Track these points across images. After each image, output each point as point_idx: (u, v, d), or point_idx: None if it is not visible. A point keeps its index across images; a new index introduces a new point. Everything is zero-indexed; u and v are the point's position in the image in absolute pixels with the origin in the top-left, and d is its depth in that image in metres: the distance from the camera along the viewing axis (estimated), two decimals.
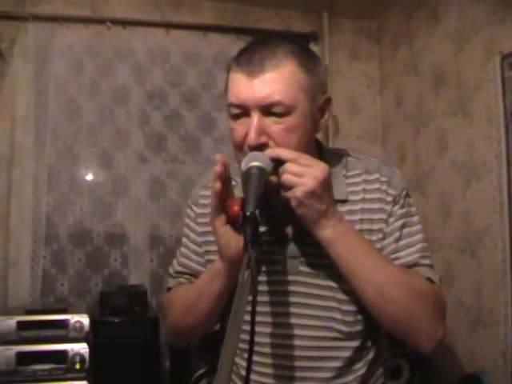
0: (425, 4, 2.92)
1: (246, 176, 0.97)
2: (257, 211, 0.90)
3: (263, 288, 1.09)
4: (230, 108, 1.06)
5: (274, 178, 1.00)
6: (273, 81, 1.01)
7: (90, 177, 2.94)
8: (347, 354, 1.09)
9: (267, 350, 1.09)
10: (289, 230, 1.12)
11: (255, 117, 1.02)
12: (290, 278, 1.09)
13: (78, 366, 2.24)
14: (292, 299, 1.09)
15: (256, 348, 0.91)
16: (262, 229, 1.06)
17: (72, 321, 2.31)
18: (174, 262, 1.26)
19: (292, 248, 1.10)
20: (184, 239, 1.24)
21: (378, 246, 1.09)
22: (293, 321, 1.09)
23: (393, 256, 1.08)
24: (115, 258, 2.92)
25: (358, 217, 1.10)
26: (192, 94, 3.06)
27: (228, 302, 1.06)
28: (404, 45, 3.12)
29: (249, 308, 0.81)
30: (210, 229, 1.13)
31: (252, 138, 1.01)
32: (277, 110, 1.01)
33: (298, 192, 0.98)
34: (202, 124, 3.07)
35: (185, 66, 3.06)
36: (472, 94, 2.53)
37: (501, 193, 2.33)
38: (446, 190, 2.72)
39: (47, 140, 2.79)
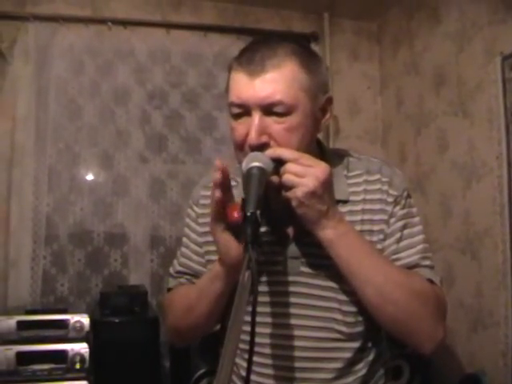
0: (425, 4, 2.91)
1: (247, 176, 0.97)
2: (257, 212, 0.90)
3: (263, 288, 1.09)
4: (230, 107, 1.06)
5: (274, 178, 1.00)
6: (274, 80, 1.01)
7: (90, 177, 2.94)
8: (348, 355, 1.09)
9: (267, 350, 1.09)
10: (290, 231, 1.11)
11: (256, 116, 1.01)
12: (291, 278, 1.09)
13: (77, 366, 2.24)
14: (292, 300, 1.09)
15: (256, 349, 0.91)
16: (263, 229, 1.06)
17: (72, 321, 2.31)
18: (175, 262, 1.26)
19: (293, 248, 1.10)
20: (184, 239, 1.24)
21: (379, 246, 1.09)
22: (293, 321, 1.09)
23: (394, 257, 1.08)
24: (115, 258, 2.91)
25: (358, 217, 1.10)
26: (192, 94, 3.06)
27: (229, 302, 1.05)
28: (404, 45, 3.12)
29: (249, 308, 0.81)
30: None
31: (253, 137, 1.01)
32: (278, 109, 1.01)
33: (298, 192, 0.97)
34: (202, 124, 3.06)
35: (185, 66, 3.06)
36: (473, 95, 2.53)
37: (501, 193, 2.32)
38: (446, 191, 2.72)
39: (48, 140, 2.79)
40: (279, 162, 1.00)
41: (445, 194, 2.72)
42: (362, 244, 1.05)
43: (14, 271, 2.66)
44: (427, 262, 1.10)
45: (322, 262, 1.06)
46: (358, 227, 1.09)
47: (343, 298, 1.08)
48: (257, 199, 0.92)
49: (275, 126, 1.02)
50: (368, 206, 1.10)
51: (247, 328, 0.81)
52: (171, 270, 1.26)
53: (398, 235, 1.09)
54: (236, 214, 0.96)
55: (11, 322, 2.26)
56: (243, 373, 1.13)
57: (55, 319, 2.31)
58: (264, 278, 1.09)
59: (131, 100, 2.96)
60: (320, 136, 1.17)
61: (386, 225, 1.09)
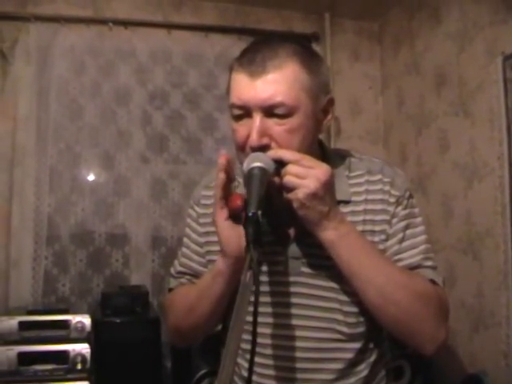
0: (426, 4, 2.91)
1: (248, 176, 0.97)
2: (259, 212, 0.90)
3: (265, 289, 1.08)
4: (231, 109, 1.06)
5: (276, 180, 1.00)
6: (275, 81, 1.01)
7: (91, 177, 2.94)
8: (349, 355, 1.09)
9: (268, 351, 1.09)
10: (291, 231, 1.11)
11: (257, 118, 1.01)
12: (292, 278, 1.09)
13: (79, 367, 2.24)
14: (293, 300, 1.09)
15: (257, 349, 0.91)
16: (264, 229, 1.06)
17: (73, 321, 2.31)
18: (176, 262, 1.26)
19: (294, 249, 1.10)
20: (185, 239, 1.24)
21: (381, 247, 1.09)
22: (294, 322, 1.09)
23: (396, 257, 1.08)
24: (117, 258, 2.91)
25: (360, 218, 1.10)
26: (194, 94, 3.06)
27: (230, 302, 1.05)
28: (405, 45, 3.12)
29: (251, 308, 0.81)
30: (211, 229, 1.13)
31: (254, 139, 1.00)
32: (279, 111, 1.01)
33: (299, 194, 0.97)
34: (203, 125, 3.06)
35: (186, 67, 3.06)
36: (474, 95, 2.53)
37: (503, 194, 2.32)
38: (447, 191, 2.71)
39: (49, 140, 2.79)
40: (280, 164, 1.00)
41: (446, 194, 2.72)
42: (363, 245, 1.04)
43: (16, 271, 2.66)
44: (429, 263, 1.09)
45: (323, 262, 1.06)
46: (360, 227, 1.08)
47: (344, 298, 1.08)
48: (258, 199, 0.92)
49: (276, 127, 1.02)
50: (370, 207, 1.10)
51: (248, 328, 0.81)
52: (172, 271, 1.26)
53: (400, 236, 1.09)
54: (239, 202, 0.97)
55: (13, 322, 2.25)
56: (244, 373, 1.13)
57: (57, 319, 2.31)
58: (265, 278, 1.09)
59: (132, 100, 2.96)
60: (321, 137, 1.17)
61: (388, 225, 1.09)
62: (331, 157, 1.15)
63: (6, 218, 2.70)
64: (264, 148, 1.01)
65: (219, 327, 1.21)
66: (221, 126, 3.04)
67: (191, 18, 3.10)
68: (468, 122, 2.57)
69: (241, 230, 0.91)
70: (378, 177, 1.12)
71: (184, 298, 1.16)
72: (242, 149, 1.05)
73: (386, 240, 1.09)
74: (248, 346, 0.84)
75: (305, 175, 0.98)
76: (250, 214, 0.89)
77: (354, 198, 1.11)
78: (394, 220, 1.09)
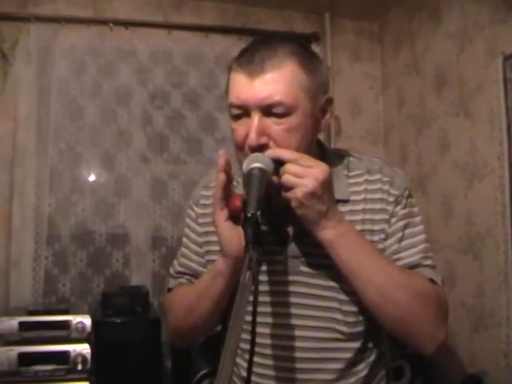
0: (426, 4, 2.91)
1: (248, 177, 0.97)
2: (258, 213, 0.90)
3: (264, 288, 1.08)
4: (230, 108, 1.06)
5: (274, 179, 1.00)
6: (273, 81, 1.01)
7: (92, 177, 2.94)
8: (348, 355, 1.09)
9: (268, 351, 1.09)
10: (290, 230, 1.11)
11: (256, 117, 1.02)
12: (291, 278, 1.09)
13: (79, 367, 2.24)
14: (293, 300, 1.09)
15: (256, 349, 0.91)
16: (263, 228, 1.06)
17: (74, 321, 2.31)
18: (175, 262, 1.26)
19: (293, 248, 1.10)
20: (184, 239, 1.24)
21: (380, 246, 1.09)
22: (293, 322, 1.08)
23: (395, 257, 1.08)
24: (117, 258, 2.91)
25: (359, 217, 1.10)
26: (194, 94, 3.06)
27: (230, 302, 1.05)
28: (406, 45, 3.12)
29: (250, 308, 0.81)
30: (211, 229, 1.13)
31: (252, 138, 1.01)
32: (277, 110, 1.01)
33: (298, 193, 0.97)
34: (203, 125, 3.06)
35: (187, 67, 3.06)
36: (474, 95, 2.53)
37: (503, 194, 2.32)
38: (447, 191, 2.71)
39: (49, 141, 2.79)
40: (279, 163, 1.00)
41: (446, 194, 2.72)
42: (362, 244, 1.04)
43: (16, 272, 2.67)
44: (429, 262, 1.09)
45: (322, 261, 1.06)
46: (359, 227, 1.08)
47: (343, 297, 1.08)
48: (257, 200, 0.92)
49: (275, 126, 1.02)
50: (369, 206, 1.10)
51: (248, 327, 0.81)
52: (171, 271, 1.26)
53: (399, 235, 1.09)
54: (238, 203, 0.97)
55: (13, 322, 2.25)
56: (243, 373, 1.13)
57: (57, 320, 2.31)
58: (264, 278, 1.09)
59: (133, 100, 2.96)
60: (321, 136, 1.17)
61: (387, 224, 1.09)
62: (330, 156, 1.15)
63: (7, 218, 2.71)
64: (262, 147, 1.01)
65: (219, 327, 1.21)
66: (221, 126, 3.04)
67: (191, 18, 3.10)
68: (468, 121, 2.57)
69: (241, 230, 0.91)
70: (377, 176, 1.12)
71: (183, 298, 1.16)
72: (241, 148, 1.05)
73: (385, 239, 1.09)
74: (247, 346, 0.85)
75: (303, 174, 0.98)
76: (249, 215, 0.89)
77: (352, 197, 1.11)
78: (393, 219, 1.09)
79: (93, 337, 2.36)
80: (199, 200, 1.22)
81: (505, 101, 2.32)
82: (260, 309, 0.89)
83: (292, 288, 1.09)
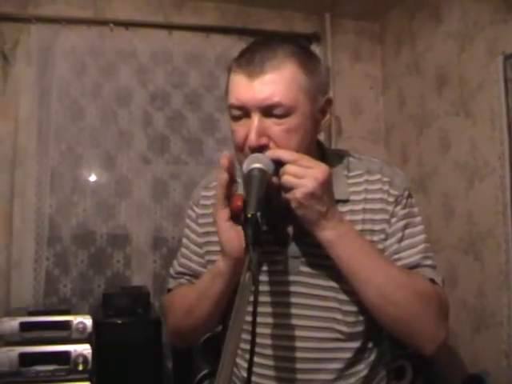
0: (427, 4, 2.91)
1: (248, 178, 0.97)
2: (258, 213, 0.90)
3: (264, 288, 1.08)
4: (230, 109, 1.06)
5: (274, 179, 1.00)
6: (273, 82, 1.01)
7: (92, 178, 2.94)
8: (348, 355, 1.09)
9: (268, 351, 1.09)
10: (290, 230, 1.11)
11: (255, 118, 1.02)
12: (291, 278, 1.09)
13: (80, 367, 2.24)
14: (293, 300, 1.09)
15: (256, 349, 0.91)
16: (263, 229, 1.06)
17: (75, 322, 2.31)
18: (175, 262, 1.26)
19: (293, 248, 1.10)
20: (184, 240, 1.24)
21: (380, 246, 1.09)
22: (294, 322, 1.08)
23: (395, 257, 1.08)
24: (118, 259, 2.92)
25: (359, 217, 1.10)
26: (195, 95, 3.06)
27: (230, 303, 1.05)
28: (406, 45, 3.12)
29: (250, 308, 0.81)
30: (211, 229, 1.13)
31: (252, 139, 1.01)
32: (277, 111, 1.01)
33: (297, 193, 0.97)
34: (204, 125, 3.07)
35: (187, 68, 3.06)
36: (474, 95, 2.53)
37: (504, 193, 2.32)
38: (448, 191, 2.71)
39: (50, 141, 2.80)
40: (279, 163, 1.00)
41: (447, 194, 2.72)
42: (362, 244, 1.04)
43: (17, 272, 2.67)
44: (429, 262, 1.09)
45: (322, 261, 1.06)
46: (359, 227, 1.08)
47: (343, 297, 1.08)
48: (257, 201, 0.92)
49: (274, 127, 1.02)
50: (369, 206, 1.10)
51: (248, 327, 0.81)
52: (171, 271, 1.26)
53: (399, 235, 1.09)
54: (239, 203, 0.97)
55: (14, 323, 2.26)
56: (244, 373, 1.13)
57: (58, 320, 2.31)
58: (264, 278, 1.09)
59: (133, 101, 2.96)
60: (322, 137, 1.17)
61: (387, 224, 1.09)
62: (330, 157, 1.15)
63: (8, 219, 2.71)
64: (262, 148, 1.01)
65: (219, 328, 1.21)
66: (222, 126, 3.04)
67: (192, 18, 3.10)
68: (469, 121, 2.57)
69: (241, 230, 0.91)
70: (377, 176, 1.12)
71: (183, 299, 1.16)
72: (241, 149, 1.05)
73: (385, 239, 1.09)
74: (247, 346, 0.85)
75: (303, 175, 0.98)
76: (249, 216, 0.89)
77: (352, 198, 1.11)
78: (393, 219, 1.09)
79: (94, 337, 2.36)
80: (199, 200, 1.22)
81: (505, 100, 2.32)
82: (260, 309, 0.89)
83: (292, 288, 1.09)
